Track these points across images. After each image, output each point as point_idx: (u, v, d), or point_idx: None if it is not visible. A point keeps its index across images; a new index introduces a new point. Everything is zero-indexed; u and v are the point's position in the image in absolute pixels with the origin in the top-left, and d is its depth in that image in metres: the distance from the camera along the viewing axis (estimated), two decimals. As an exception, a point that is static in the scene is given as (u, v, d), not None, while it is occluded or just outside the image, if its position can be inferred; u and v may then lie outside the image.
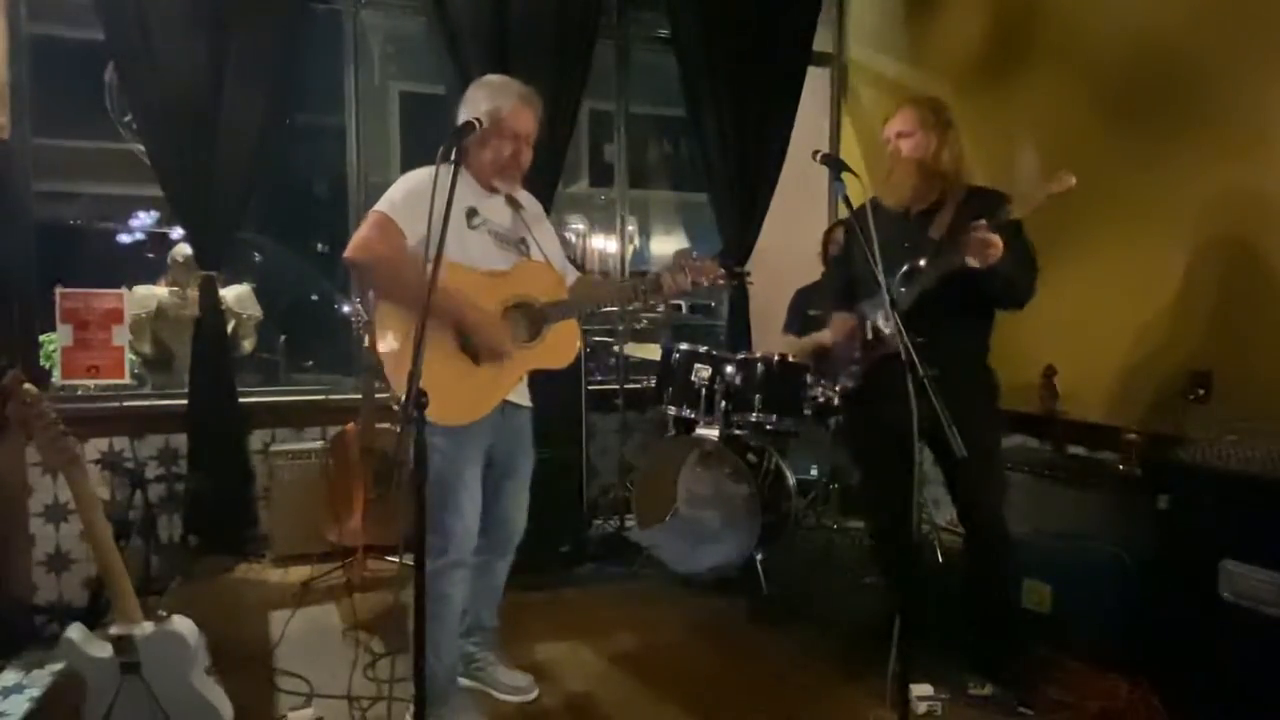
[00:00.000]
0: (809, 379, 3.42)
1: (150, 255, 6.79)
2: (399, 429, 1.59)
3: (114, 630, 1.90)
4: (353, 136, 3.98)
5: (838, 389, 2.60)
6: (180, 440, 3.60)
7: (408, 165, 2.18)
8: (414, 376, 1.53)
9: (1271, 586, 2.19)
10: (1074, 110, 3.35)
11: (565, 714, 2.41)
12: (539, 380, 2.34)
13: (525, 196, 2.37)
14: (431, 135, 2.02)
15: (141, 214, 7.21)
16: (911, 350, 1.88)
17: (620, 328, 4.03)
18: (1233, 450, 2.41)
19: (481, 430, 2.18)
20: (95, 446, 3.44)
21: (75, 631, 1.91)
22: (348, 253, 2.03)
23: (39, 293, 3.43)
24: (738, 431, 3.41)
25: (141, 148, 3.53)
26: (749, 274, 4.38)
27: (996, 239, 2.18)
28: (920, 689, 2.34)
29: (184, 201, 3.48)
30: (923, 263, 2.37)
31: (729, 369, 3.35)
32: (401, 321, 2.05)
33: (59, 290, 3.32)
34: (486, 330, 2.11)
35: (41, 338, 3.55)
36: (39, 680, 2.60)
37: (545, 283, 2.29)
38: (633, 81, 4.50)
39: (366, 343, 3.13)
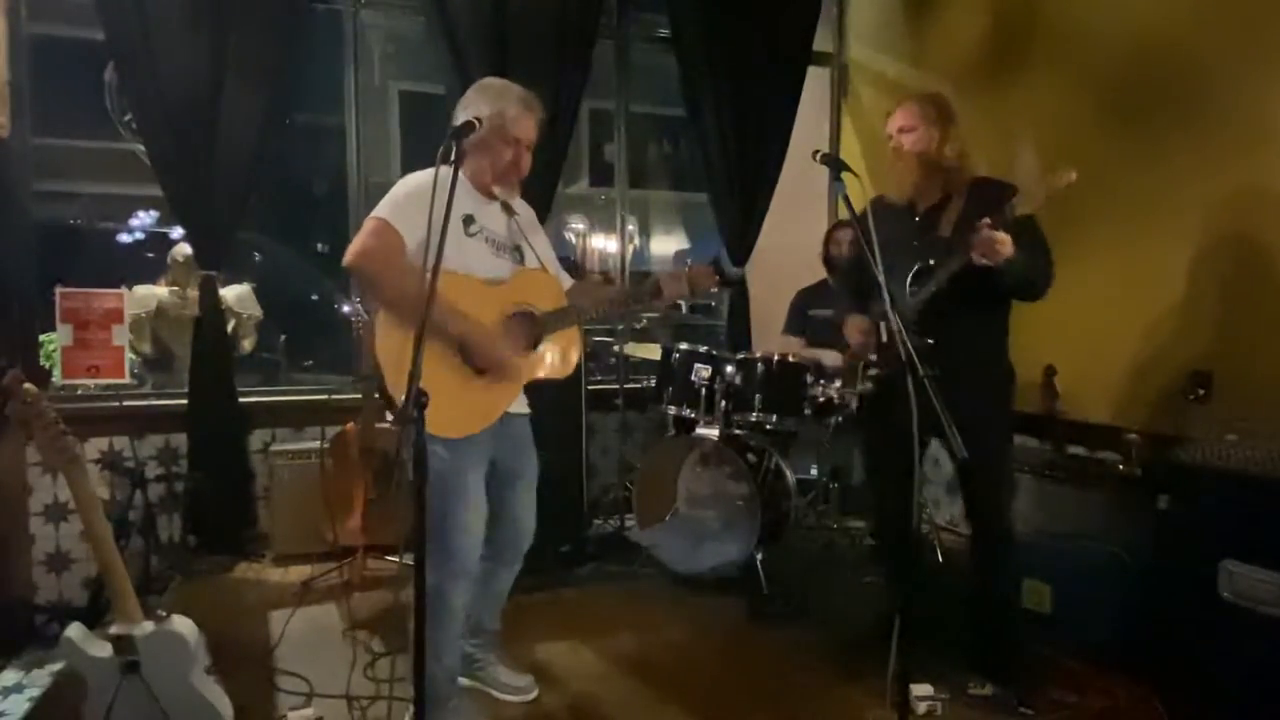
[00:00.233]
0: (809, 379, 3.42)
1: (150, 255, 6.80)
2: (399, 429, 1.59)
3: (114, 630, 1.90)
4: (353, 136, 3.98)
5: (856, 391, 2.58)
6: (180, 440, 3.60)
7: (408, 165, 2.18)
8: (414, 376, 1.53)
9: (1271, 586, 2.20)
10: (1074, 110, 3.35)
11: (566, 714, 2.41)
12: (537, 381, 2.33)
13: (519, 203, 2.35)
14: (431, 135, 2.01)
15: (141, 214, 7.21)
16: (911, 350, 1.87)
17: (620, 328, 4.03)
18: (1233, 450, 2.41)
19: (483, 441, 2.17)
20: (95, 446, 3.44)
21: (75, 631, 1.91)
22: (347, 260, 2.01)
23: (39, 292, 3.43)
24: (738, 431, 3.41)
25: (141, 148, 3.53)
26: (743, 276, 4.38)
27: (1003, 236, 2.17)
28: (920, 689, 2.34)
29: (184, 201, 3.48)
30: (933, 262, 2.36)
31: (729, 369, 3.35)
32: (402, 330, 2.03)
33: (59, 290, 3.32)
34: (485, 347, 2.09)
35: (41, 337, 3.55)
36: (39, 680, 2.60)
37: (545, 291, 2.29)
38: (633, 81, 4.50)
39: (366, 343, 3.13)
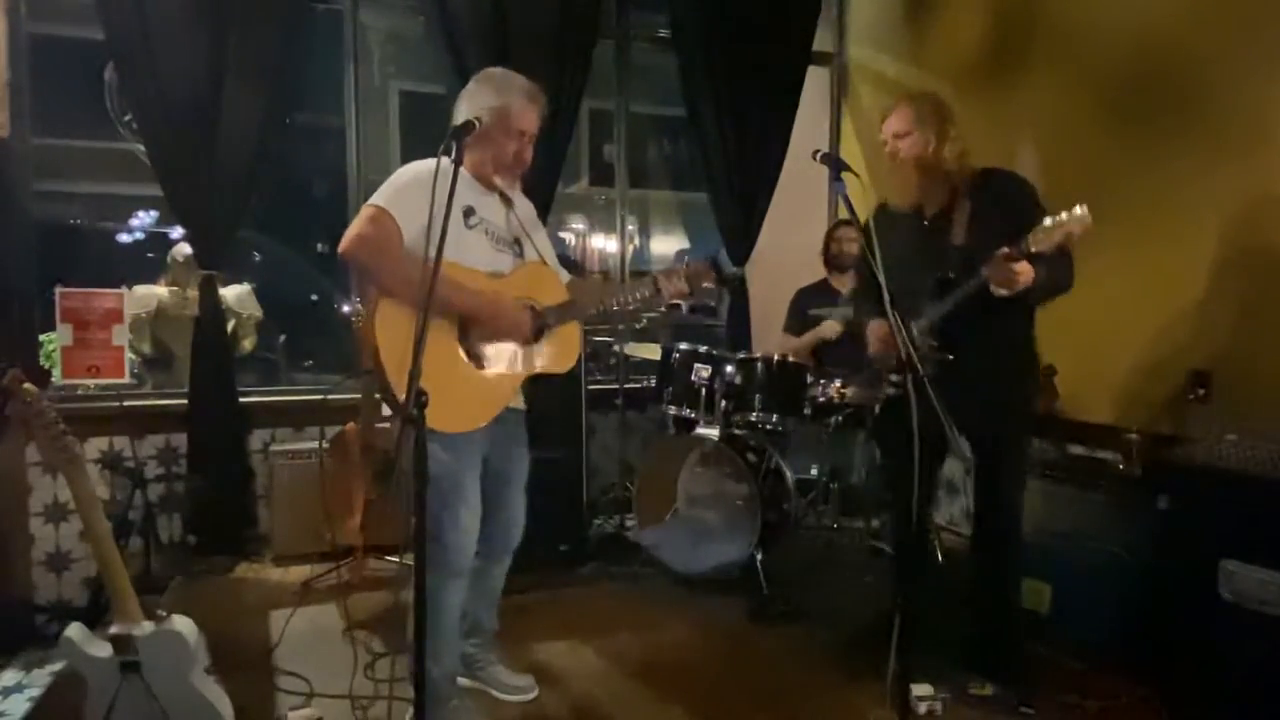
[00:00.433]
0: (809, 378, 3.42)
1: (150, 255, 6.79)
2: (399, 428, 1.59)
3: (114, 630, 1.90)
4: (353, 136, 3.99)
5: (880, 397, 2.57)
6: (180, 440, 3.60)
7: (407, 164, 2.16)
8: (414, 376, 1.52)
9: (1271, 586, 2.20)
10: (1074, 110, 3.35)
11: (566, 714, 2.41)
12: (538, 380, 2.33)
13: (519, 198, 2.35)
14: (431, 135, 2.00)
15: (141, 214, 7.20)
16: (912, 352, 1.87)
17: (620, 327, 4.03)
18: (1233, 450, 2.41)
19: (479, 439, 2.16)
20: (95, 446, 3.44)
21: (75, 631, 1.91)
22: (342, 247, 1.99)
23: (39, 292, 3.43)
24: (738, 431, 3.41)
25: (141, 148, 3.53)
26: (743, 276, 4.38)
27: (1023, 267, 2.11)
28: (920, 689, 2.34)
29: (184, 201, 3.48)
30: (952, 275, 2.32)
31: (729, 369, 3.35)
32: (403, 319, 2.00)
33: (59, 290, 3.32)
34: (500, 311, 2.08)
35: (41, 337, 3.55)
36: (39, 680, 2.60)
37: (547, 285, 2.28)
38: (633, 81, 4.50)
39: (363, 342, 3.13)
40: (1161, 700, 2.39)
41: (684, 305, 6.15)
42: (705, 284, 2.29)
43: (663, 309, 3.78)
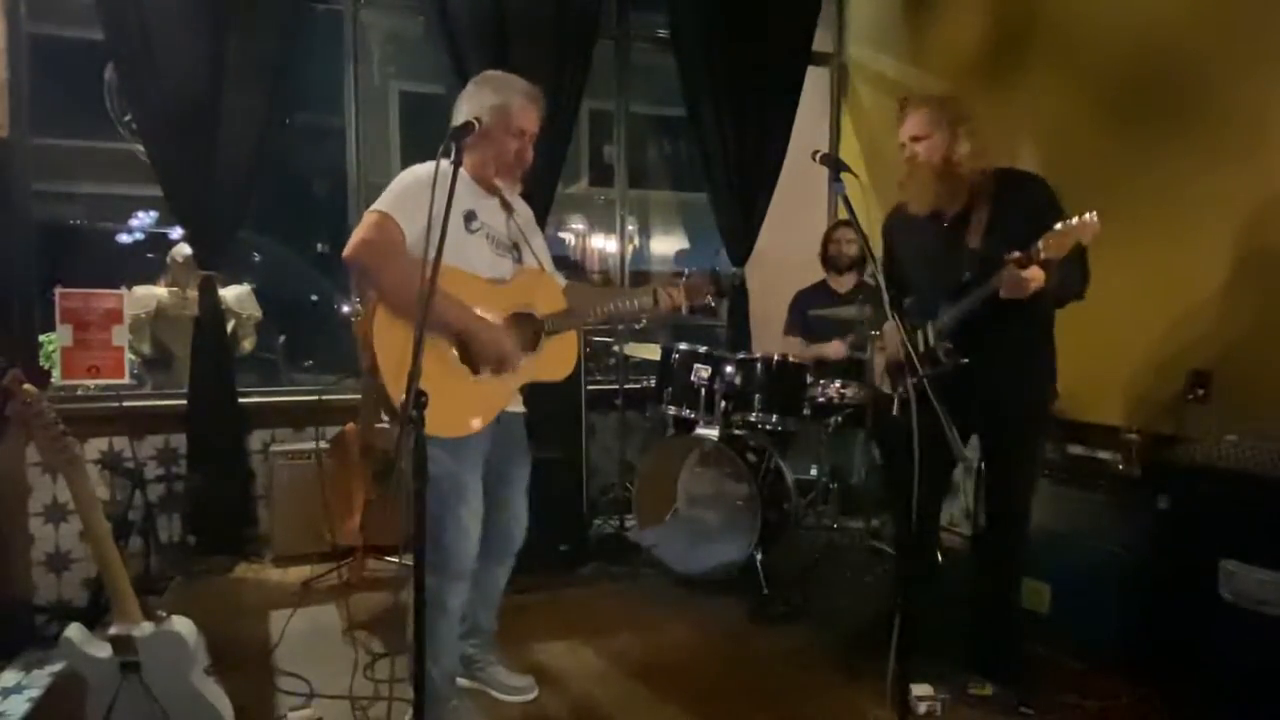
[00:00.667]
0: (809, 379, 3.42)
1: (150, 255, 6.79)
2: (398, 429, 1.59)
3: (114, 630, 1.89)
4: (353, 136, 3.98)
5: (895, 398, 2.56)
6: (180, 440, 3.60)
7: (407, 165, 2.16)
8: (413, 377, 1.52)
9: (1271, 586, 2.20)
10: (1074, 110, 3.35)
11: (565, 714, 2.41)
12: (537, 381, 2.33)
13: (518, 202, 2.34)
14: (431, 135, 2.00)
15: (141, 214, 7.21)
16: (913, 354, 1.87)
17: (620, 328, 4.03)
18: (1233, 450, 2.41)
19: (479, 441, 2.16)
20: (95, 446, 3.44)
21: (75, 631, 1.91)
22: (347, 253, 2.00)
23: (39, 293, 3.43)
24: (737, 431, 3.41)
25: (141, 148, 3.53)
26: (743, 277, 4.38)
27: (1033, 273, 2.11)
28: (920, 689, 2.34)
29: (183, 201, 3.48)
30: (966, 278, 2.32)
31: (729, 369, 3.35)
32: (401, 326, 2.01)
33: (58, 290, 3.32)
34: (493, 340, 2.09)
35: (41, 338, 3.55)
36: (39, 680, 2.60)
37: (546, 292, 2.28)
38: (632, 81, 4.50)
39: (361, 344, 3.13)
40: (1161, 700, 2.39)
41: (683, 309, 6.17)
42: (706, 295, 2.29)
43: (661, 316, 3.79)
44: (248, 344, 4.31)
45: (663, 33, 4.40)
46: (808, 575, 3.39)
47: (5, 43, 3.15)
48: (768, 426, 3.41)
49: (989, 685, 2.45)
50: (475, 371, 2.12)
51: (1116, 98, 3.18)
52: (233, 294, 4.15)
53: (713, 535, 3.39)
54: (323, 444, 3.50)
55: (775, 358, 3.38)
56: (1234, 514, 2.31)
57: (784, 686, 2.58)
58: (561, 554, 3.50)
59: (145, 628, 1.91)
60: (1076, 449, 3.14)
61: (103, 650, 1.89)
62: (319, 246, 7.79)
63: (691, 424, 3.40)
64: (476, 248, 2.16)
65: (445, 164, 1.75)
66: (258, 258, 6.85)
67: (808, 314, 3.90)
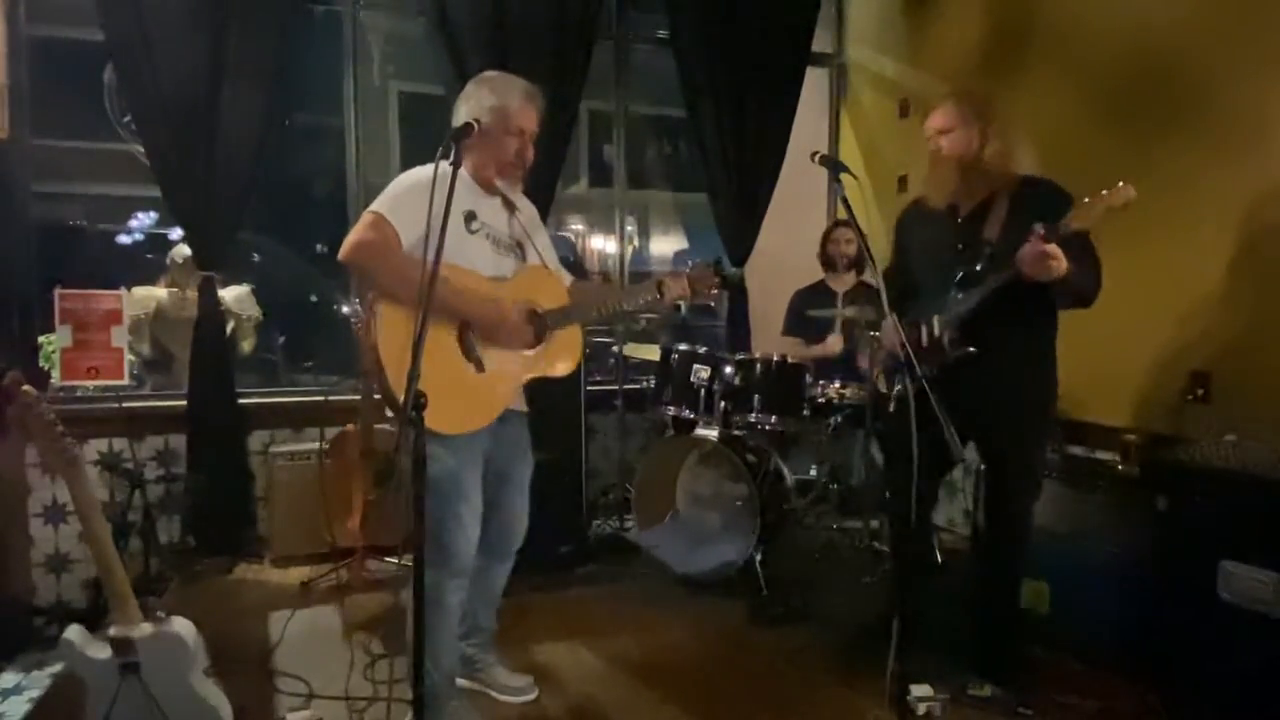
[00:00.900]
0: (808, 379, 3.42)
1: (149, 256, 6.79)
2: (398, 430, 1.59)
3: (113, 631, 1.90)
4: (352, 137, 3.99)
5: (895, 393, 2.57)
6: (179, 441, 3.60)
7: (407, 165, 2.16)
8: (412, 378, 1.53)
9: (1270, 586, 2.20)
10: (1074, 111, 3.35)
11: (565, 715, 2.41)
12: (538, 381, 2.34)
13: (522, 200, 2.35)
14: (431, 136, 2.00)
15: (140, 215, 7.21)
16: (911, 352, 1.88)
17: (620, 329, 4.03)
18: (1232, 450, 2.41)
19: (480, 438, 2.16)
20: (94, 447, 3.44)
21: (74, 633, 1.91)
22: (342, 253, 2.00)
23: (38, 294, 3.43)
24: (737, 432, 3.41)
25: (140, 149, 3.53)
26: (742, 277, 4.38)
27: (1055, 252, 2.09)
28: (920, 689, 2.34)
29: (183, 202, 3.48)
30: (979, 268, 2.31)
31: (728, 369, 3.35)
32: (403, 322, 2.01)
33: (58, 291, 3.32)
34: (493, 312, 2.08)
35: (41, 339, 3.55)
36: (38, 682, 2.60)
37: (549, 289, 2.28)
38: (632, 82, 4.50)
39: (363, 344, 3.14)
40: (1160, 700, 2.39)
41: (683, 306, 6.18)
42: (709, 287, 2.29)
43: (663, 310, 3.79)
44: (247, 345, 4.30)
45: (662, 33, 4.40)
46: (807, 576, 3.39)
47: (4, 44, 3.15)
48: (767, 427, 3.41)
49: (988, 685, 2.46)
50: (479, 367, 2.12)
51: (1116, 98, 3.18)
52: (232, 295, 4.14)
53: (712, 536, 3.39)
54: (323, 444, 3.50)
55: (775, 358, 3.38)
56: (1233, 514, 2.31)
57: (784, 687, 2.58)
58: (561, 554, 3.50)
59: (145, 629, 1.91)
60: (1076, 449, 3.15)
61: (102, 651, 1.89)
62: (318, 247, 7.78)
63: (691, 424, 3.40)
64: (477, 247, 2.16)
65: (445, 165, 1.75)
66: (257, 258, 6.84)
67: (806, 314, 3.90)
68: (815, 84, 4.75)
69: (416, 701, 1.57)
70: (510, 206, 2.28)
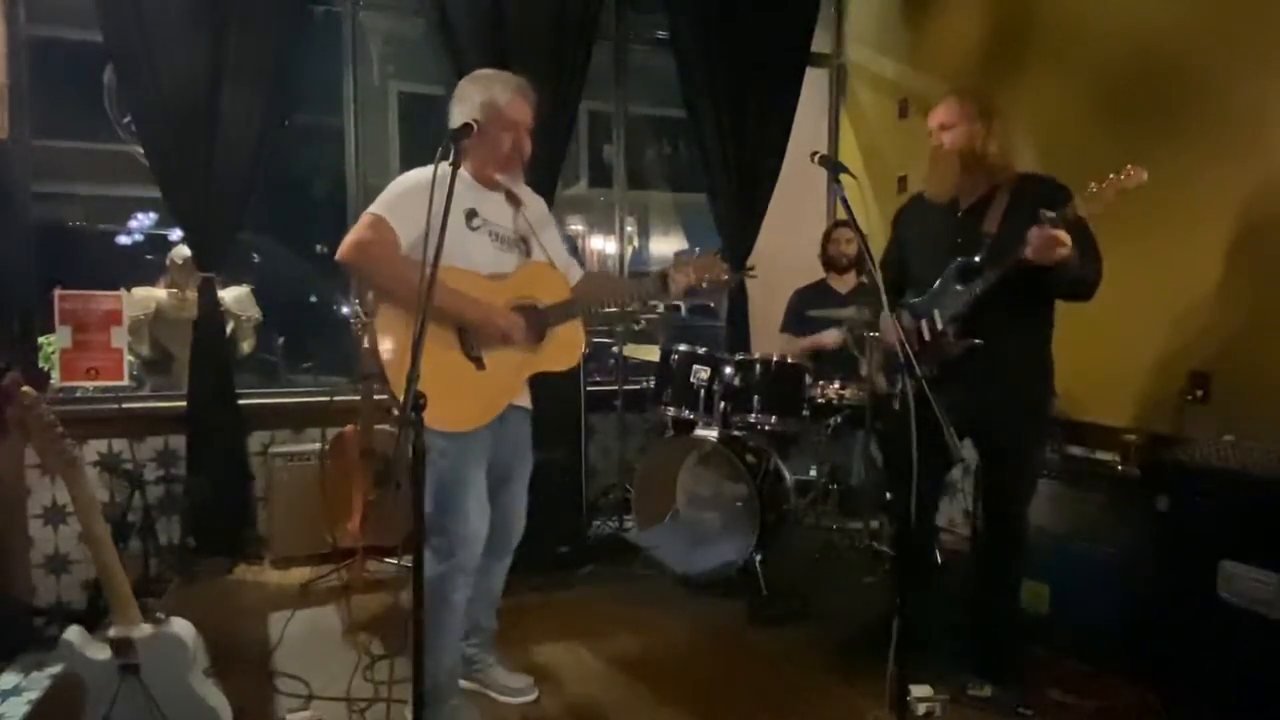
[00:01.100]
0: (808, 379, 3.42)
1: (149, 257, 6.79)
2: (398, 431, 1.59)
3: (112, 632, 1.90)
4: (352, 137, 3.99)
5: (896, 390, 2.57)
6: (179, 442, 3.60)
7: (407, 166, 2.17)
8: (412, 379, 1.52)
9: (1271, 586, 2.20)
10: (1073, 111, 3.35)
11: (565, 715, 2.41)
12: (538, 381, 2.34)
13: (527, 194, 2.35)
14: (431, 136, 2.00)
15: (140, 215, 7.21)
16: (909, 351, 1.87)
17: (619, 329, 4.03)
18: (1232, 450, 2.41)
19: (485, 436, 2.17)
20: (94, 448, 3.44)
21: (74, 634, 1.91)
22: (340, 253, 2.01)
23: (38, 294, 3.43)
24: (737, 432, 3.41)
25: (140, 149, 3.53)
26: (753, 268, 4.37)
27: (1063, 235, 2.11)
28: (920, 689, 2.34)
29: (182, 203, 3.48)
30: (979, 259, 2.32)
31: (728, 370, 3.35)
32: (402, 323, 2.03)
33: (58, 292, 3.31)
34: (485, 316, 2.09)
35: (40, 339, 3.55)
36: (38, 683, 2.60)
37: (548, 284, 2.28)
38: (631, 82, 4.50)
39: (365, 344, 3.13)
40: (1160, 700, 2.39)
41: (683, 306, 6.17)
42: (716, 273, 2.28)
43: (662, 309, 3.78)
44: (247, 345, 4.30)
45: (661, 34, 4.40)
46: (807, 576, 3.39)
47: (5, 44, 3.15)
48: (767, 427, 3.40)
49: (988, 686, 2.45)
50: (480, 365, 2.12)
51: (1115, 98, 3.18)
52: (232, 295, 4.14)
53: (712, 536, 3.39)
54: (323, 445, 3.50)
55: (774, 358, 3.38)
56: (1233, 514, 2.31)
57: (783, 687, 2.58)
58: (561, 555, 3.50)
59: (144, 630, 1.91)
60: (1076, 449, 3.14)
61: (102, 652, 1.89)
62: (318, 247, 7.78)
63: (691, 425, 3.40)
64: (478, 245, 2.16)
65: (445, 166, 1.76)
66: (257, 259, 6.85)
67: (805, 314, 3.90)
68: (815, 84, 4.75)
69: (416, 701, 1.57)
70: (515, 201, 2.28)
